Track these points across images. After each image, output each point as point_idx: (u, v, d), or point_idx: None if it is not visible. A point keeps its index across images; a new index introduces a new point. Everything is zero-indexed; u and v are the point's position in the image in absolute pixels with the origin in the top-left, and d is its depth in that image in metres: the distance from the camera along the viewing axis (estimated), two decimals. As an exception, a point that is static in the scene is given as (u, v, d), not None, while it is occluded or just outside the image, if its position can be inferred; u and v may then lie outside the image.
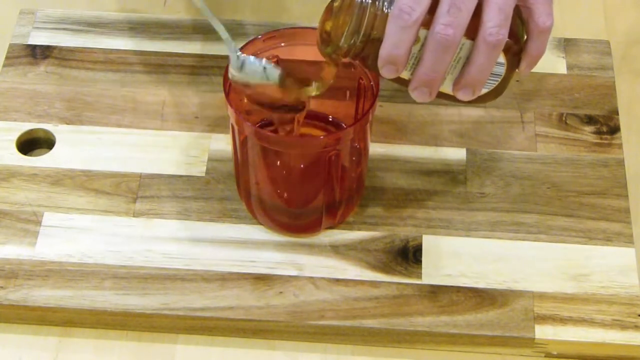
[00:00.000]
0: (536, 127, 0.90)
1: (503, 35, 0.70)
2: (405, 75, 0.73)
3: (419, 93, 0.73)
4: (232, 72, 0.77)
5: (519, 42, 0.73)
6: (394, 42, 0.70)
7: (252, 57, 0.77)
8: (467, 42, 0.71)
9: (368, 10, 0.71)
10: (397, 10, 0.69)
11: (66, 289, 0.80)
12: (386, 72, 0.72)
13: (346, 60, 0.75)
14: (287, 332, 0.79)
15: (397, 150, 0.88)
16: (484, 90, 0.74)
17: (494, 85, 0.75)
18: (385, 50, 0.71)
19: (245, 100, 0.80)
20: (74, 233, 0.83)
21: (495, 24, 0.70)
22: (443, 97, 0.75)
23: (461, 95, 0.73)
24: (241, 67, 0.76)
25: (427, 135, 0.89)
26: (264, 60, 0.77)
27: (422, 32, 0.71)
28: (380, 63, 0.72)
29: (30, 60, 0.93)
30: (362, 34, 0.72)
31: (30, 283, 0.80)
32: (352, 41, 0.72)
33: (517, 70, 0.75)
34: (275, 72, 0.76)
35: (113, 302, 0.79)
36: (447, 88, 0.74)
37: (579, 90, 0.92)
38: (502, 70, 0.74)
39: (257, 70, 0.76)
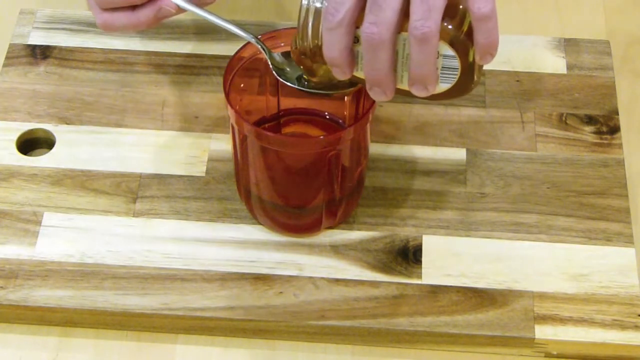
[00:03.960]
0: (536, 127, 0.90)
1: (429, 27, 0.68)
2: (362, 75, 0.73)
3: (374, 93, 0.73)
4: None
5: (463, 31, 0.71)
6: (327, 44, 0.71)
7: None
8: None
9: (311, 14, 0.72)
10: (324, 13, 0.70)
11: (66, 289, 0.80)
12: (335, 74, 0.73)
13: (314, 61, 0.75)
14: (287, 332, 0.79)
15: (397, 150, 0.88)
16: (447, 85, 0.72)
17: (455, 79, 0.73)
18: (324, 52, 0.72)
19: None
20: (74, 233, 0.83)
21: (419, 17, 0.68)
22: (410, 96, 0.73)
23: (416, 92, 0.72)
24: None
25: (427, 135, 0.89)
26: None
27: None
28: (328, 65, 0.72)
29: (30, 60, 0.93)
30: (308, 36, 0.72)
31: (30, 283, 0.80)
32: (303, 43, 0.73)
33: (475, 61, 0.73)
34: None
35: (113, 302, 0.79)
36: (406, 86, 0.73)
37: (579, 90, 0.92)
38: (455, 63, 0.72)
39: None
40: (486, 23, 0.69)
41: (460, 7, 0.70)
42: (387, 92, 0.72)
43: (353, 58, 0.72)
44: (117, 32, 0.82)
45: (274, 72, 0.78)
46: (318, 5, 0.72)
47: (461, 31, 0.70)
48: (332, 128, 0.85)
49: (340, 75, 0.72)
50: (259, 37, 0.80)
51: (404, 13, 0.69)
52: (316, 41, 0.73)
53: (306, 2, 0.72)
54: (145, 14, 0.79)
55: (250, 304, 0.79)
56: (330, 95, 0.78)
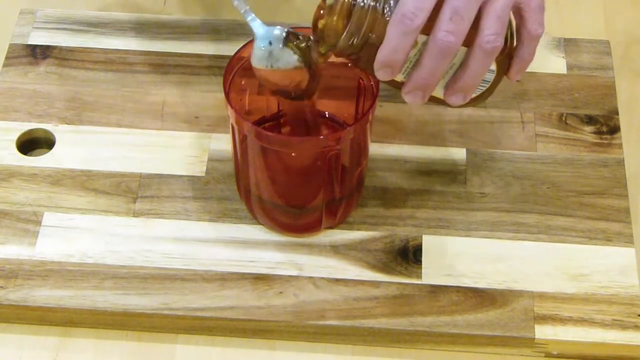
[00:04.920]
0: (536, 127, 0.90)
1: (500, 42, 0.71)
2: (399, 78, 0.73)
3: (412, 96, 0.73)
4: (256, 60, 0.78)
5: (509, 48, 0.74)
6: (394, 47, 0.71)
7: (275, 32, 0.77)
8: (461, 49, 0.71)
9: (369, 13, 0.71)
10: (399, 16, 0.70)
11: (66, 289, 0.80)
12: (382, 75, 0.72)
13: (339, 59, 0.75)
14: (287, 332, 0.79)
15: (397, 150, 0.88)
16: (473, 95, 0.75)
17: (482, 91, 0.75)
18: (383, 54, 0.71)
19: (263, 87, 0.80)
20: (74, 233, 0.83)
21: (493, 32, 0.70)
22: (432, 101, 0.75)
23: (453, 100, 0.74)
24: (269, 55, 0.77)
25: (427, 135, 0.89)
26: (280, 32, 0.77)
27: (420, 37, 0.71)
28: (376, 66, 0.72)
29: (30, 60, 0.93)
30: (361, 36, 0.72)
31: (30, 283, 0.80)
32: (350, 42, 0.72)
33: (505, 75, 0.75)
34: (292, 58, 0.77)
35: (113, 302, 0.79)
36: (438, 92, 0.74)
37: (579, 90, 0.92)
38: (492, 76, 0.75)
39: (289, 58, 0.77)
40: (535, 43, 0.74)
41: (509, 24, 0.73)
42: (426, 97, 0.74)
43: None
44: None
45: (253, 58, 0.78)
46: (381, 8, 0.71)
47: (507, 48, 0.73)
48: (332, 128, 0.85)
49: (387, 76, 0.72)
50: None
51: None
52: (365, 40, 0.72)
53: (363, 3, 0.71)
54: None
55: (250, 304, 0.79)
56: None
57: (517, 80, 0.76)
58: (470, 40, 0.71)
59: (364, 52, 0.72)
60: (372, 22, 0.71)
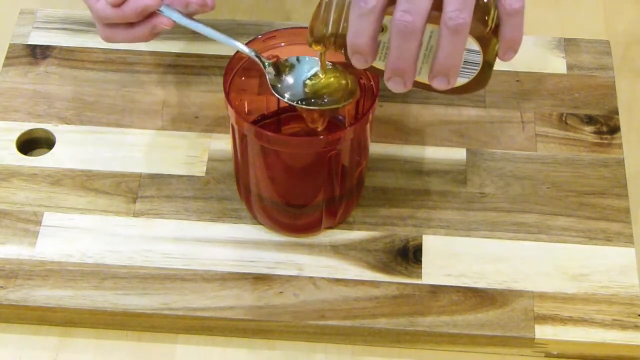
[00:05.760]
0: (536, 127, 0.90)
1: (463, 19, 0.68)
2: (380, 65, 0.73)
3: (393, 83, 0.72)
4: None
5: (490, 27, 0.72)
6: (355, 31, 0.70)
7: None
8: (437, 30, 0.70)
9: (334, 1, 0.71)
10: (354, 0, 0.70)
11: (66, 289, 0.80)
12: (355, 62, 0.72)
13: (330, 50, 0.75)
14: (287, 332, 0.79)
15: (397, 150, 0.88)
16: (464, 80, 0.73)
17: (474, 74, 0.73)
18: (349, 39, 0.71)
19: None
20: (74, 233, 0.83)
21: (455, 8, 0.68)
22: (425, 89, 0.74)
23: (436, 84, 0.72)
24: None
25: (427, 135, 0.89)
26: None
27: (389, 21, 0.70)
28: (348, 52, 0.72)
29: (30, 60, 0.93)
30: (330, 24, 0.72)
31: (30, 283, 0.80)
32: (324, 32, 0.72)
33: (497, 57, 0.74)
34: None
35: (113, 302, 0.79)
36: (424, 78, 0.73)
37: (579, 90, 0.92)
38: (478, 58, 0.72)
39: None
40: (515, 18, 0.71)
41: (487, 2, 0.71)
42: (407, 82, 0.72)
43: (377, 47, 0.71)
44: (119, 43, 0.84)
45: (270, 86, 0.78)
46: None
47: (488, 27, 0.71)
48: (332, 128, 0.85)
49: (361, 63, 0.72)
50: (259, 36, 0.80)
51: (434, 5, 0.69)
52: (336, 28, 0.72)
53: None
54: (141, 31, 0.80)
55: (250, 304, 0.79)
56: (324, 111, 0.79)
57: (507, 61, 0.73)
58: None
59: (340, 41, 0.72)
60: (341, 9, 0.72)
